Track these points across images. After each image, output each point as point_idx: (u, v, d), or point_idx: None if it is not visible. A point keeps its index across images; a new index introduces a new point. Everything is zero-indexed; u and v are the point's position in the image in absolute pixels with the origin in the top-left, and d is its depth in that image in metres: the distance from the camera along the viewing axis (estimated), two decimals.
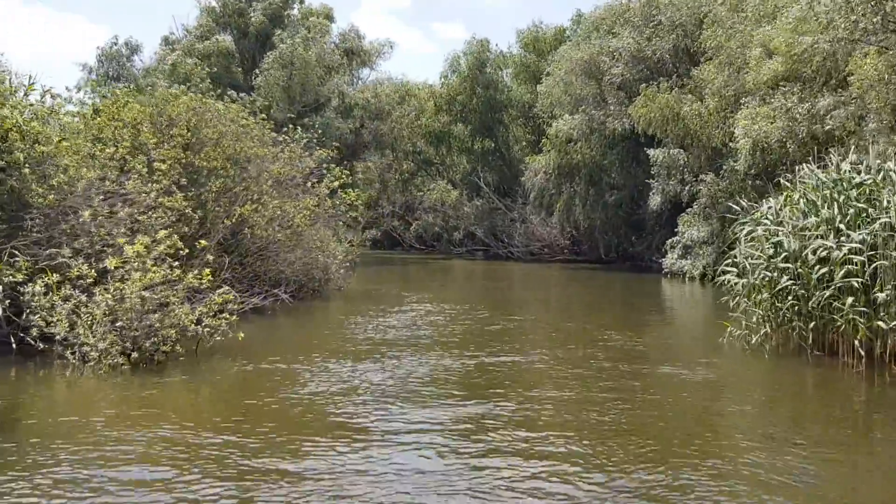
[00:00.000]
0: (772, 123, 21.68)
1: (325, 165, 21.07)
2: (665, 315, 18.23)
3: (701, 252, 27.77)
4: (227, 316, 10.72)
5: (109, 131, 15.17)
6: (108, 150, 14.36)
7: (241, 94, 37.70)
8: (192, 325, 10.08)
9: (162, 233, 10.78)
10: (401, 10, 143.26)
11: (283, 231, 16.68)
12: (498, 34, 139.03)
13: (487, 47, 45.04)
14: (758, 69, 22.65)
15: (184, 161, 15.41)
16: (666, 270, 29.60)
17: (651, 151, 30.56)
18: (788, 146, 21.84)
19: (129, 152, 14.65)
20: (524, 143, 47.00)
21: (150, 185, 13.92)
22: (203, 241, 11.79)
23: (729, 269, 12.27)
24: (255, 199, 15.90)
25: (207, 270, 10.88)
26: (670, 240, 29.91)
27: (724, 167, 27.11)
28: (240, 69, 39.41)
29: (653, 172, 30.82)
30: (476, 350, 11.73)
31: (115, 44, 45.78)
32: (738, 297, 12.00)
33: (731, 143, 26.11)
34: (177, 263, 10.84)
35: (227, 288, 10.82)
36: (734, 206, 14.52)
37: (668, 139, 28.91)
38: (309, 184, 20.26)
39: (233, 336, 10.71)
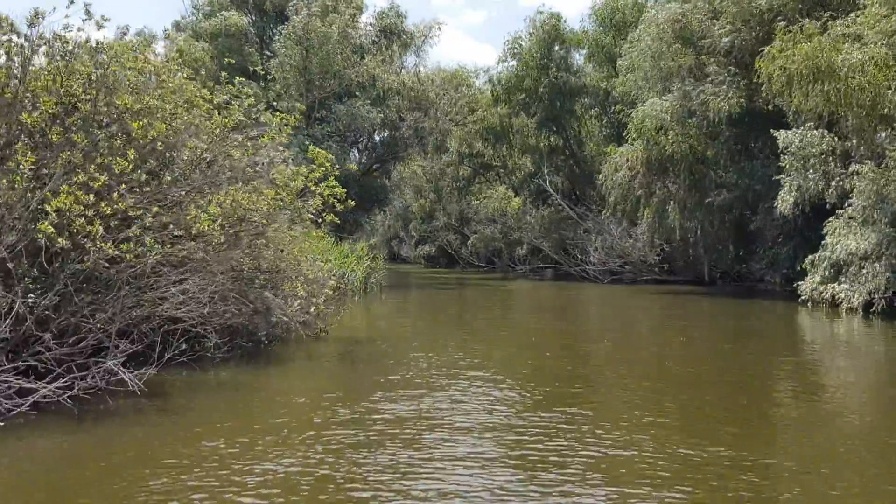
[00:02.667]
0: None
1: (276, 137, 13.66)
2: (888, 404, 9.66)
3: (865, 271, 19.19)
4: None
5: None
6: None
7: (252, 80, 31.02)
8: None
9: None
10: (474, 27, 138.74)
11: (168, 244, 9.10)
12: None
13: (560, 21, 37.03)
14: None
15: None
16: (804, 297, 21.08)
17: (780, 133, 22.11)
18: None
19: None
20: (599, 139, 38.78)
21: None
22: None
23: None
24: (87, 186, 8.36)
25: None
26: (812, 255, 21.35)
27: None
28: (254, 50, 32.51)
29: (782, 163, 22.32)
30: None
31: (126, 34, 39.76)
32: None
33: None
34: None
35: None
36: None
37: (809, 111, 20.36)
38: (262, 167, 12.81)
39: None
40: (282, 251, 13.16)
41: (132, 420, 7.39)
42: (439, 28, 39.26)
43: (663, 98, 27.25)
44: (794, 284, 21.96)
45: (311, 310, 12.62)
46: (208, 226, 9.71)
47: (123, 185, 8.66)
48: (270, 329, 11.77)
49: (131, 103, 9.71)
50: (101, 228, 8.07)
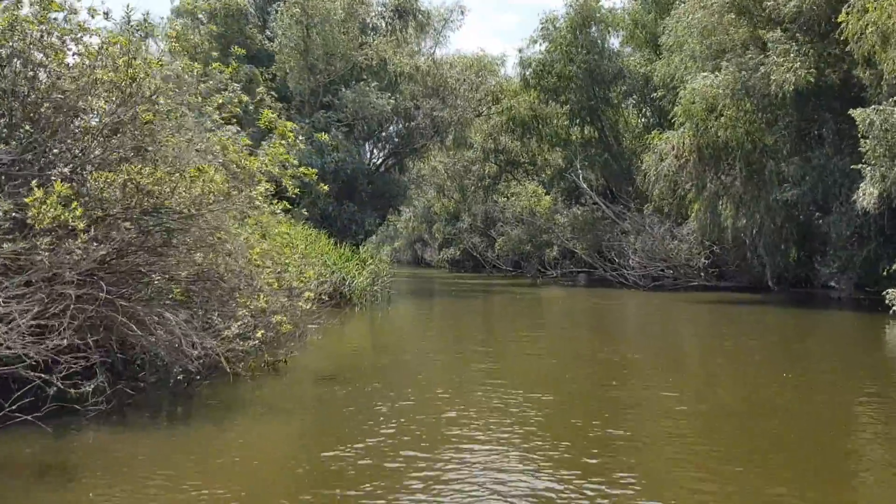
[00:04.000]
0: None
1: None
2: None
3: None
4: None
5: None
6: None
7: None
8: None
9: None
10: (505, 32, 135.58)
11: None
12: None
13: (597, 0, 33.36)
14: None
15: None
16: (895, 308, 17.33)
17: (858, 112, 18.27)
18: None
19: None
20: (638, 130, 35.05)
21: None
22: None
23: None
24: None
25: None
26: None
27: None
28: (256, 31, 29.33)
29: (863, 148, 18.50)
30: None
31: (129, 21, 37.56)
32: None
33: None
34: None
35: None
36: None
37: None
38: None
39: None
40: (229, 255, 9.86)
41: None
42: (462, 12, 35.91)
43: (715, 74, 23.51)
44: (883, 293, 18.15)
45: (260, 334, 9.20)
46: (61, 215, 6.36)
47: None
48: (189, 364, 8.35)
49: None
50: None
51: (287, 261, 12.68)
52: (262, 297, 10.24)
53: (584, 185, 33.85)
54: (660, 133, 25.99)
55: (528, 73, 34.95)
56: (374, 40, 28.64)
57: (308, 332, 13.19)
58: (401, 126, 30.09)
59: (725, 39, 23.87)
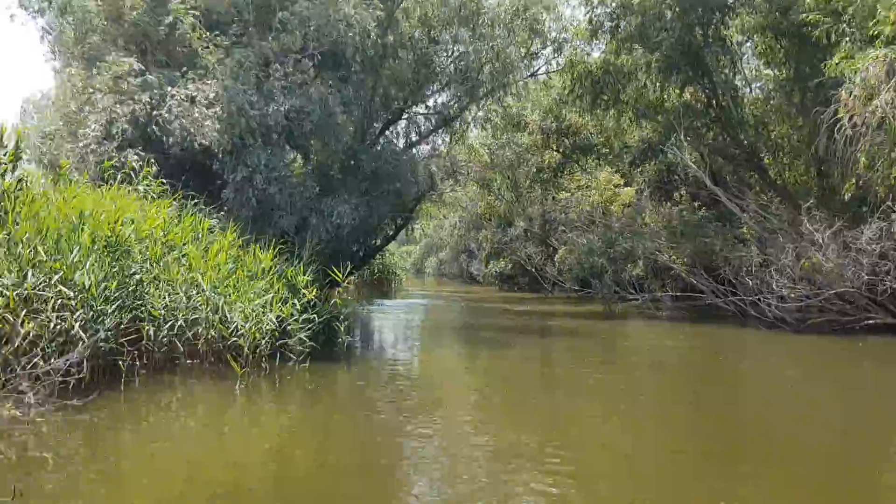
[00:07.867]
0: None
1: None
2: None
3: None
4: None
5: None
6: None
7: None
8: None
9: None
10: None
11: None
12: None
13: None
14: None
15: None
16: None
17: None
18: None
19: None
20: (770, 88, 23.68)
21: None
22: None
23: None
24: None
25: None
26: None
27: None
28: None
29: None
30: None
31: None
32: None
33: None
34: None
35: None
36: None
37: None
38: None
39: None
40: None
41: None
42: None
43: None
44: None
45: None
46: None
47: None
48: None
49: None
50: None
51: None
52: None
53: (693, 166, 22.47)
54: (862, 52, 14.45)
55: (599, 12, 23.99)
56: None
57: None
58: (404, 66, 19.33)
59: None
